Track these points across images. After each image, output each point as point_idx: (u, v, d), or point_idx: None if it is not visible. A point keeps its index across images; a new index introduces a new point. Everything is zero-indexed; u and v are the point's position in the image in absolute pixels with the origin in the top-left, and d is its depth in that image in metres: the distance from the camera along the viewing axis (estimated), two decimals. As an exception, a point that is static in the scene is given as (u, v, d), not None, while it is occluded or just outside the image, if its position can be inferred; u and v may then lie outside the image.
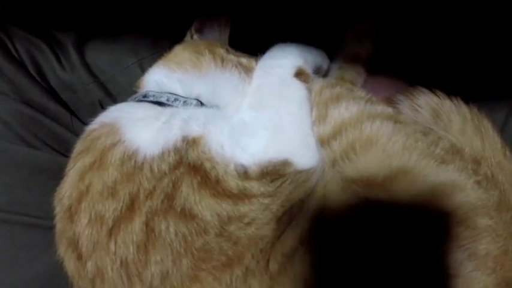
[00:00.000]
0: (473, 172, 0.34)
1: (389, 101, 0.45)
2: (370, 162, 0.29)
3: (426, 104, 0.42)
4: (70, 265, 0.33)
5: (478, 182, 0.32)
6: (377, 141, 0.29)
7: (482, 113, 0.42)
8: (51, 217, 0.35)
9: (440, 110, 0.41)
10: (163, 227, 0.28)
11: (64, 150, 0.40)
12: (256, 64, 0.38)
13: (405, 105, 0.44)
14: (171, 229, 0.29)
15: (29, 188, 0.39)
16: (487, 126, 0.41)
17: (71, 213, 0.32)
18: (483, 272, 0.29)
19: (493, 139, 0.40)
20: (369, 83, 0.50)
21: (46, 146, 0.41)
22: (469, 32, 0.49)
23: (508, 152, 0.40)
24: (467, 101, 0.42)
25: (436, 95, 0.42)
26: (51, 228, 0.35)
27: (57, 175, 0.36)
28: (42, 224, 0.39)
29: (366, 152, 0.29)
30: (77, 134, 0.40)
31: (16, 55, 0.44)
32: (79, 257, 0.31)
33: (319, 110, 0.32)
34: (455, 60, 0.50)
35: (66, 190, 0.33)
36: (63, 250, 0.34)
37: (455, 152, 0.35)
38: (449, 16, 0.50)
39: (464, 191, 0.30)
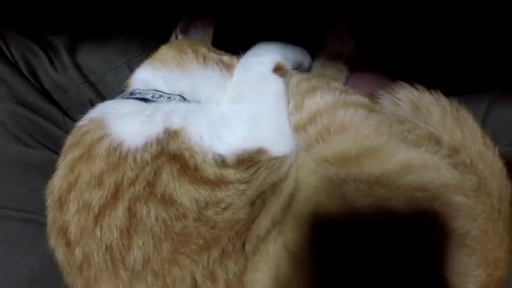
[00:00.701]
0: (450, 157, 0.36)
1: (372, 97, 0.49)
2: (344, 141, 0.32)
3: (406, 98, 0.44)
4: (60, 253, 0.36)
5: (454, 165, 0.35)
6: (350, 125, 0.33)
7: (463, 105, 0.44)
8: (43, 213, 0.38)
9: (420, 102, 0.44)
10: (144, 212, 0.31)
11: (56, 148, 0.43)
12: (238, 62, 0.41)
13: (386, 100, 0.47)
14: (152, 214, 0.32)
15: (22, 185, 0.43)
16: (467, 117, 0.44)
17: (61, 203, 0.35)
18: (463, 252, 0.32)
19: (473, 129, 0.43)
20: (352, 80, 0.53)
21: (39, 144, 0.44)
22: (450, 26, 0.52)
23: (488, 142, 0.42)
24: (449, 94, 0.46)
25: (416, 88, 0.45)
26: (43, 224, 0.38)
27: (49, 172, 0.38)
28: (34, 219, 0.42)
29: (340, 134, 0.33)
30: (68, 132, 0.41)
31: (10, 57, 0.47)
32: (67, 244, 0.34)
33: (296, 101, 0.36)
34: (437, 54, 0.52)
35: (57, 182, 0.36)
36: (53, 240, 0.37)
37: (431, 139, 0.37)
38: (429, 11, 0.53)
39: (438, 170, 0.33)
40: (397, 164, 0.31)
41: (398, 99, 0.44)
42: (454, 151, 0.39)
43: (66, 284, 0.39)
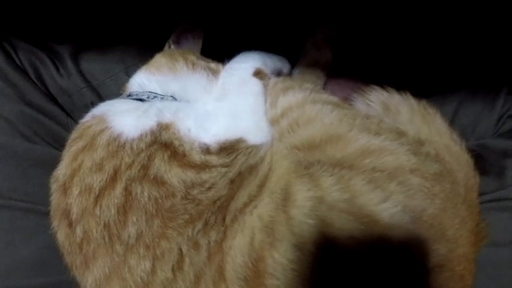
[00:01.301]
0: (411, 146, 0.41)
1: (347, 100, 0.55)
2: (310, 131, 0.39)
3: (377, 99, 0.51)
4: (61, 234, 0.41)
5: (414, 152, 0.40)
6: (316, 118, 0.40)
7: (433, 106, 0.50)
8: (46, 203, 0.43)
9: (390, 103, 0.51)
10: (139, 191, 0.37)
11: (60, 146, 0.48)
12: (223, 67, 0.49)
13: (359, 102, 0.53)
14: (145, 193, 0.38)
15: (28, 178, 0.48)
16: (435, 115, 0.49)
17: (65, 188, 0.41)
18: (420, 226, 0.36)
19: (440, 126, 0.49)
20: (329, 85, 0.60)
21: (44, 141, 0.50)
22: (422, 33, 0.59)
23: (455, 137, 0.48)
24: (421, 96, 0.51)
25: (386, 90, 0.51)
26: (46, 213, 0.43)
27: (52, 167, 0.44)
28: (38, 210, 0.47)
29: (307, 125, 0.39)
30: (71, 131, 0.47)
31: (19, 64, 0.54)
32: (69, 224, 0.40)
33: (272, 98, 0.43)
34: (410, 59, 0.59)
35: (61, 170, 0.42)
36: (56, 222, 0.42)
37: (394, 131, 0.43)
38: (400, 19, 0.59)
39: (395, 154, 0.38)
40: (357, 149, 0.37)
41: (369, 101, 0.51)
42: (418, 143, 0.45)
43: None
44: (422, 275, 0.35)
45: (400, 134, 0.44)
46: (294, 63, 0.58)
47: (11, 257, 0.46)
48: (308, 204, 0.35)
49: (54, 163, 0.44)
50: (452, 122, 0.54)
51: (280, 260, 0.32)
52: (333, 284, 0.32)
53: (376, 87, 0.52)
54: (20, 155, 0.48)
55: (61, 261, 0.43)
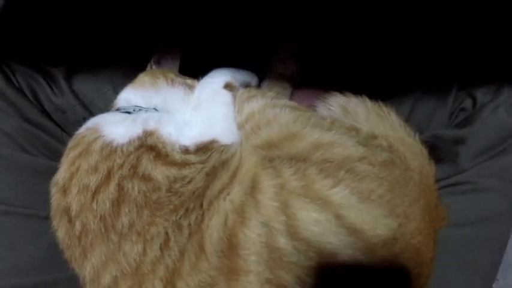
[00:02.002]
0: (360, 138, 0.49)
1: (311, 107, 0.64)
2: (269, 132, 0.48)
3: (336, 103, 0.59)
4: (62, 231, 0.47)
5: (363, 144, 0.48)
6: (274, 120, 0.48)
7: (390, 106, 0.58)
8: (46, 208, 0.50)
9: (348, 106, 0.59)
10: (130, 186, 0.45)
11: (55, 158, 0.54)
12: (198, 82, 0.59)
13: (321, 108, 0.62)
14: (135, 188, 0.45)
15: (28, 186, 0.54)
16: (390, 113, 0.57)
17: (64, 189, 0.48)
18: (369, 204, 0.43)
19: (394, 122, 0.56)
20: (296, 95, 0.69)
21: (41, 154, 0.57)
22: (377, 42, 0.68)
23: (409, 131, 0.56)
24: (379, 98, 0.58)
25: (344, 95, 0.60)
26: (46, 217, 0.50)
27: (50, 176, 0.51)
28: (38, 214, 0.53)
29: (266, 127, 0.48)
30: (65, 144, 0.54)
31: (18, 85, 0.60)
32: (69, 220, 0.46)
33: (239, 106, 0.52)
34: (368, 67, 0.68)
35: (60, 174, 0.49)
36: (56, 221, 0.48)
37: (345, 127, 0.51)
38: (356, 30, 0.69)
39: (343, 146, 0.46)
40: (310, 143, 0.46)
41: (330, 105, 0.60)
42: (371, 137, 0.53)
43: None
44: (374, 246, 0.42)
45: (352, 129, 0.52)
46: (263, 76, 0.67)
47: (15, 258, 0.52)
48: (272, 190, 0.43)
49: (51, 172, 0.51)
50: (408, 119, 0.61)
51: (250, 235, 0.41)
52: (293, 252, 0.40)
53: (335, 93, 0.60)
54: (20, 166, 0.55)
55: (61, 260, 0.48)
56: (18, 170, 0.55)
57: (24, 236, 0.53)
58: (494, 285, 0.90)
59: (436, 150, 0.55)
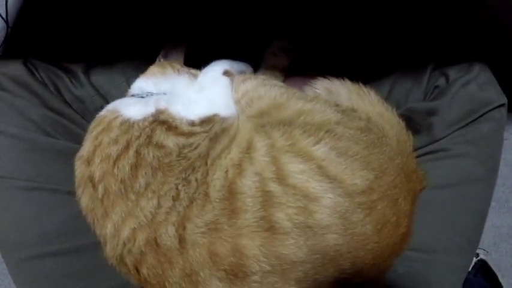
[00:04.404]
0: (339, 108, 0.60)
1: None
2: (260, 104, 0.60)
3: (321, 86, 0.70)
4: (86, 197, 0.57)
5: (341, 112, 0.59)
6: (265, 95, 0.61)
7: (369, 86, 0.68)
8: (68, 184, 0.59)
9: (331, 87, 0.70)
10: (146, 152, 0.56)
11: (76, 142, 0.64)
12: (201, 71, 0.72)
13: (309, 92, 0.73)
14: (151, 154, 0.56)
15: (51, 165, 0.63)
16: (369, 92, 0.67)
17: (88, 161, 0.58)
18: (346, 159, 0.52)
19: (373, 99, 0.67)
20: (287, 83, 0.80)
21: (64, 138, 0.65)
22: (361, 30, 0.80)
23: (388, 107, 0.66)
24: (361, 81, 0.68)
25: (328, 79, 0.71)
26: (68, 192, 0.60)
27: (71, 156, 0.61)
28: (61, 189, 0.62)
29: (258, 100, 0.61)
30: (85, 130, 0.64)
31: (41, 79, 0.69)
32: (93, 186, 0.56)
33: (235, 86, 0.65)
34: (350, 53, 0.79)
35: (84, 148, 0.59)
36: (81, 190, 0.58)
37: (328, 100, 0.63)
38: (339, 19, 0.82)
39: (323, 112, 0.58)
40: (294, 111, 0.58)
41: (316, 88, 0.71)
42: (351, 110, 0.63)
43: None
44: (353, 192, 0.51)
45: (331, 102, 0.64)
46: (257, 68, 0.80)
47: (39, 228, 0.60)
48: (264, 148, 0.55)
49: (72, 153, 0.61)
50: (387, 98, 0.71)
51: (246, 182, 0.52)
52: (283, 194, 0.51)
53: (321, 78, 0.72)
54: (44, 148, 0.63)
55: (83, 228, 0.58)
56: (43, 151, 0.63)
57: (48, 208, 0.61)
58: (486, 257, 1.01)
59: (412, 122, 0.65)
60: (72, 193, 0.59)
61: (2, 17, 0.85)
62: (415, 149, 0.64)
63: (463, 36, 0.73)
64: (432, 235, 0.61)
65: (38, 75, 0.70)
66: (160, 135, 0.58)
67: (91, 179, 0.58)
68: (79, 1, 0.79)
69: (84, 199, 0.58)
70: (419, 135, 0.65)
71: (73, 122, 0.69)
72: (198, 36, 0.82)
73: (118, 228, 0.54)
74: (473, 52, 0.70)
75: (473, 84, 0.65)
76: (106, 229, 0.55)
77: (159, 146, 0.57)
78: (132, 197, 0.55)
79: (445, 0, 0.74)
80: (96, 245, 0.57)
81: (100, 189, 0.56)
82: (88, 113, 0.71)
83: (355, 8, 0.81)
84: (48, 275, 0.60)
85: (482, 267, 1.01)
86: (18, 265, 0.62)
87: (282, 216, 0.49)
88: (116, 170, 0.56)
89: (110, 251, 0.55)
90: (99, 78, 0.75)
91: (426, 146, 0.65)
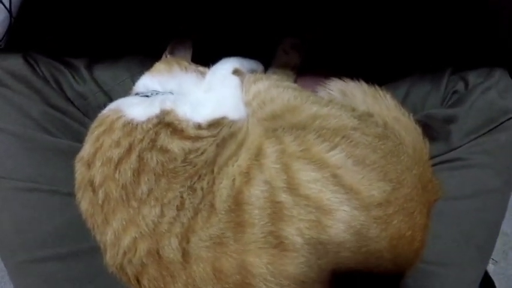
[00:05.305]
0: (355, 113, 0.57)
1: (314, 92, 0.73)
2: (273, 106, 0.57)
3: (335, 88, 0.68)
4: (85, 202, 0.54)
5: (357, 118, 0.56)
6: (278, 97, 0.57)
7: (387, 90, 0.65)
8: (69, 185, 0.57)
9: (346, 89, 0.67)
10: (149, 157, 0.52)
11: (78, 140, 0.61)
12: (209, 69, 0.68)
13: (322, 93, 0.69)
14: (154, 159, 0.53)
15: (52, 165, 0.60)
16: (385, 95, 0.64)
17: (89, 163, 0.55)
18: (363, 168, 0.49)
19: (389, 103, 0.64)
20: (299, 82, 0.77)
21: (65, 136, 0.63)
22: (377, 31, 0.76)
23: (404, 111, 0.63)
24: (377, 83, 0.65)
25: (343, 80, 0.68)
26: (68, 193, 0.57)
27: (72, 156, 0.58)
28: (61, 191, 0.59)
29: (271, 103, 0.57)
30: (87, 128, 0.61)
31: (42, 74, 0.67)
32: (93, 190, 0.53)
33: (246, 87, 0.62)
34: (366, 54, 0.76)
35: (85, 150, 0.56)
36: (80, 194, 0.55)
37: (343, 105, 0.59)
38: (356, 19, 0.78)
39: (339, 117, 0.54)
40: (309, 115, 0.55)
41: (330, 90, 0.68)
42: (367, 115, 0.60)
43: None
44: (369, 205, 0.48)
45: (347, 107, 0.60)
46: (268, 65, 0.77)
47: (39, 230, 0.58)
48: (274, 155, 0.51)
49: (73, 153, 0.58)
50: (404, 102, 0.69)
51: (254, 191, 0.48)
52: (294, 206, 0.47)
53: (335, 78, 0.68)
54: (45, 147, 0.61)
55: (83, 231, 0.55)
56: (43, 150, 0.61)
57: (48, 210, 0.59)
58: (494, 267, 0.97)
59: (429, 128, 0.62)
60: (72, 195, 0.57)
61: (6, 7, 0.81)
62: (431, 157, 0.61)
63: (483, 40, 0.69)
64: (445, 247, 0.59)
65: (38, 70, 0.67)
66: (165, 139, 0.55)
67: (91, 183, 0.55)
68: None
69: (84, 203, 0.55)
70: (436, 143, 0.62)
71: (75, 119, 0.66)
72: (198, 36, 0.78)
73: (118, 236, 0.52)
74: (493, 56, 0.67)
75: (494, 91, 0.63)
76: (106, 236, 0.53)
77: (164, 151, 0.54)
78: (134, 204, 0.52)
79: (464, 3, 0.69)
80: (97, 250, 0.55)
81: (100, 194, 0.53)
82: (91, 110, 0.69)
83: (372, 7, 0.76)
84: (48, 279, 0.58)
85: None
86: (18, 267, 0.59)
87: (292, 231, 0.46)
88: (117, 175, 0.53)
89: (110, 259, 0.53)
90: (103, 74, 0.72)
91: (443, 154, 0.62)
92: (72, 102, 0.69)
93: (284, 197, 0.47)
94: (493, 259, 0.95)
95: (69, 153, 0.60)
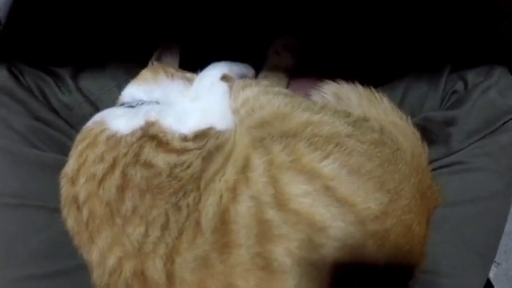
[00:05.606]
0: (349, 119, 0.53)
1: (307, 96, 0.69)
2: (262, 113, 0.53)
3: (329, 91, 0.64)
4: (71, 219, 0.52)
5: (352, 124, 0.52)
6: (267, 104, 0.54)
7: (383, 91, 0.62)
8: (55, 200, 0.54)
9: (340, 92, 0.63)
10: (133, 173, 0.50)
11: (64, 153, 0.59)
12: (197, 76, 0.65)
13: (316, 96, 0.66)
14: (138, 174, 0.50)
15: (38, 180, 0.58)
16: (381, 98, 0.61)
17: (73, 180, 0.53)
18: (358, 178, 0.46)
19: (386, 106, 0.61)
20: (292, 85, 0.74)
21: (51, 149, 0.61)
22: (372, 29, 0.73)
23: (401, 114, 0.60)
24: (373, 85, 0.62)
25: (337, 82, 0.64)
26: (55, 209, 0.54)
27: (59, 170, 0.56)
28: (48, 206, 0.57)
29: (260, 110, 0.54)
30: (73, 139, 0.59)
31: (26, 85, 0.65)
32: (78, 208, 0.51)
33: (234, 94, 0.58)
34: (361, 55, 0.73)
35: (69, 166, 0.54)
36: (66, 210, 0.53)
37: (334, 110, 0.55)
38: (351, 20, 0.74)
39: (332, 124, 0.51)
40: (300, 122, 0.51)
41: (323, 93, 0.64)
42: (363, 120, 0.56)
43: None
44: (365, 219, 0.45)
45: (343, 112, 0.56)
46: (260, 69, 0.73)
47: (27, 248, 0.56)
48: (262, 166, 0.48)
49: (59, 166, 0.56)
50: (401, 103, 0.66)
51: (240, 209, 0.45)
52: (282, 224, 0.44)
53: (328, 81, 0.65)
54: (30, 161, 0.59)
55: (71, 248, 0.53)
56: (29, 165, 0.59)
57: (35, 226, 0.57)
58: (496, 269, 0.93)
59: (428, 132, 0.59)
60: (59, 210, 0.55)
61: (-6, 14, 0.79)
62: (430, 161, 0.58)
63: (482, 37, 0.66)
64: (445, 256, 0.56)
65: (23, 81, 0.66)
66: (150, 153, 0.52)
67: (75, 199, 0.53)
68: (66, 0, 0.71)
69: (70, 220, 0.53)
70: (435, 146, 0.59)
71: (61, 131, 0.64)
72: (198, 36, 0.76)
73: (104, 255, 0.50)
74: (492, 54, 0.64)
75: (494, 90, 0.60)
76: (92, 255, 0.51)
77: (148, 165, 0.51)
78: (119, 221, 0.50)
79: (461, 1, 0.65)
80: (84, 267, 0.53)
81: (85, 211, 0.51)
82: (76, 121, 0.66)
83: (365, 6, 0.72)
84: None
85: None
86: (8, 286, 0.57)
87: (280, 252, 0.43)
88: (101, 192, 0.51)
89: (97, 278, 0.50)
90: (88, 83, 0.70)
91: (442, 158, 0.59)
92: (58, 113, 0.67)
93: (271, 214, 0.44)
94: (494, 261, 0.92)
95: (55, 167, 0.58)
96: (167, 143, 0.53)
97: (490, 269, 0.62)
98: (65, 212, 0.54)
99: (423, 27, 0.69)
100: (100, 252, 0.50)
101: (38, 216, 0.58)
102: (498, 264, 0.93)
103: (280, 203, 0.45)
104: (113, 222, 0.50)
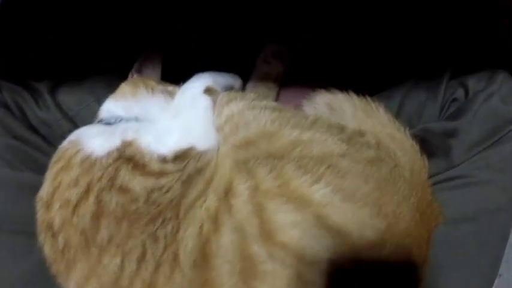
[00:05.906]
0: (343, 135, 0.49)
1: (299, 107, 0.65)
2: (247, 131, 0.49)
3: (321, 101, 0.61)
4: (47, 246, 0.49)
5: (346, 141, 0.48)
6: (253, 120, 0.49)
7: (380, 100, 0.58)
8: (33, 224, 0.51)
9: (333, 103, 0.60)
10: (108, 198, 0.46)
11: (43, 173, 0.55)
12: (179, 88, 0.60)
13: (307, 107, 0.63)
14: (113, 200, 0.46)
15: (16, 202, 0.56)
16: (377, 108, 0.57)
17: (48, 205, 0.49)
18: (353, 204, 0.42)
19: (383, 117, 0.57)
20: (283, 94, 0.70)
21: (29, 169, 0.58)
22: (369, 34, 0.69)
23: (399, 126, 0.56)
24: (368, 94, 0.59)
25: (330, 92, 0.60)
26: (33, 233, 0.51)
27: (37, 191, 0.52)
28: (27, 230, 0.53)
29: (245, 127, 0.49)
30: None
31: (4, 101, 0.63)
32: (53, 235, 0.48)
33: (218, 110, 0.54)
34: (356, 63, 0.69)
35: (44, 190, 0.51)
36: (42, 236, 0.50)
37: (327, 125, 0.51)
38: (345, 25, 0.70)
39: (324, 143, 0.47)
40: (288, 142, 0.47)
41: (315, 104, 0.60)
42: (358, 134, 0.53)
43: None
44: (361, 250, 0.42)
45: (336, 127, 0.52)
46: (248, 78, 0.69)
47: (7, 275, 0.54)
48: (246, 193, 0.44)
49: (38, 187, 0.53)
50: (398, 114, 0.63)
51: (223, 242, 0.41)
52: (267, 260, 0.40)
53: (320, 90, 0.61)
54: (7, 183, 0.57)
55: (50, 276, 0.50)
56: (7, 187, 0.57)
57: (14, 252, 0.55)
58: (497, 280, 0.88)
59: (427, 144, 0.56)
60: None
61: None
62: (430, 176, 0.54)
63: (482, 41, 0.62)
64: (447, 279, 0.52)
65: (0, 97, 0.64)
66: (125, 176, 0.48)
67: (50, 226, 0.49)
68: (43, 12, 0.67)
69: (46, 247, 0.50)
70: (435, 160, 0.56)
71: (40, 150, 0.62)
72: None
73: (81, 286, 0.47)
74: (493, 58, 0.60)
75: (496, 97, 0.56)
76: (70, 286, 0.47)
77: (124, 190, 0.47)
78: (94, 251, 0.46)
79: (462, 2, 0.61)
80: None
81: (60, 239, 0.48)
82: (56, 139, 0.64)
83: (361, 9, 0.67)
84: None
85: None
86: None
87: (266, 291, 0.39)
88: (75, 219, 0.47)
89: (77, 310, 0.47)
90: (67, 98, 0.67)
91: (443, 172, 0.55)
92: (37, 131, 0.65)
93: (255, 249, 0.40)
94: (497, 273, 0.87)
95: (33, 188, 0.53)
96: (144, 166, 0.49)
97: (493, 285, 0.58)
98: (41, 238, 0.50)
99: (421, 30, 0.66)
100: (77, 284, 0.47)
101: (17, 241, 0.55)
102: (500, 275, 0.88)
103: (266, 235, 0.41)
104: (89, 252, 0.46)
